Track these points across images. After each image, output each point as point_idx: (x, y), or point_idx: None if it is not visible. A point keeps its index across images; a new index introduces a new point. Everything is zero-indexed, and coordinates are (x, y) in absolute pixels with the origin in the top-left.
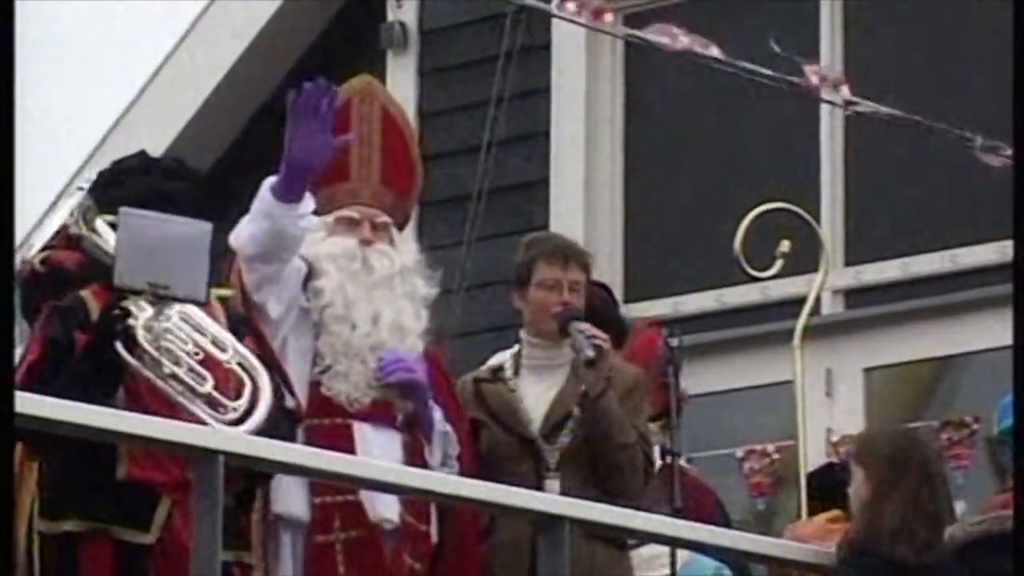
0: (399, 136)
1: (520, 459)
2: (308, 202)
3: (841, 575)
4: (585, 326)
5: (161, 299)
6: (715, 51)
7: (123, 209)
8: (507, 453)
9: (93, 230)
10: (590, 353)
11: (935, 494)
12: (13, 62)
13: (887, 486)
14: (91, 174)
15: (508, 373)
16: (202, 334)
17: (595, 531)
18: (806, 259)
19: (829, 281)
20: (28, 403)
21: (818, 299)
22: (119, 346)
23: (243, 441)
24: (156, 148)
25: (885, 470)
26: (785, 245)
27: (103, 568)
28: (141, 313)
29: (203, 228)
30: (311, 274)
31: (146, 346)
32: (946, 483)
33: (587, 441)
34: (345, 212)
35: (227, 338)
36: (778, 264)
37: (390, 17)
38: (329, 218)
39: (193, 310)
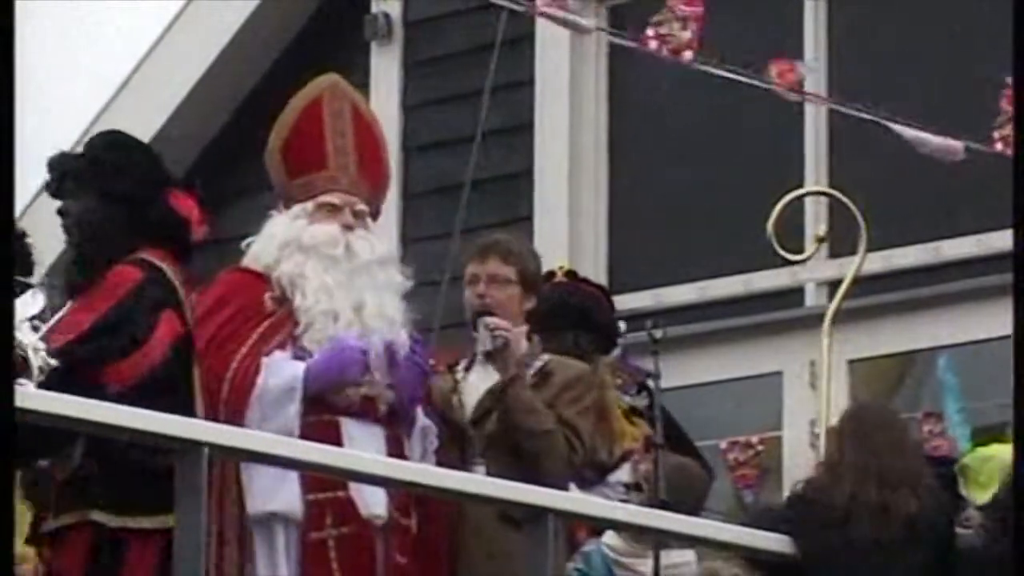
0: (370, 133)
1: (450, 446)
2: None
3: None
4: (491, 320)
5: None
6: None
7: None
8: (440, 440)
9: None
10: (487, 345)
11: (872, 455)
12: (12, 60)
13: (836, 450)
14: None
15: (462, 366)
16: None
17: (510, 512)
18: (785, 249)
19: (813, 273)
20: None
21: (856, 280)
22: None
23: (226, 433)
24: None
25: (839, 433)
26: (822, 229)
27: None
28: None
29: None
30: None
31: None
32: (900, 456)
33: (506, 429)
34: (326, 198)
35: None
36: (811, 248)
37: (374, 9)
38: (309, 204)
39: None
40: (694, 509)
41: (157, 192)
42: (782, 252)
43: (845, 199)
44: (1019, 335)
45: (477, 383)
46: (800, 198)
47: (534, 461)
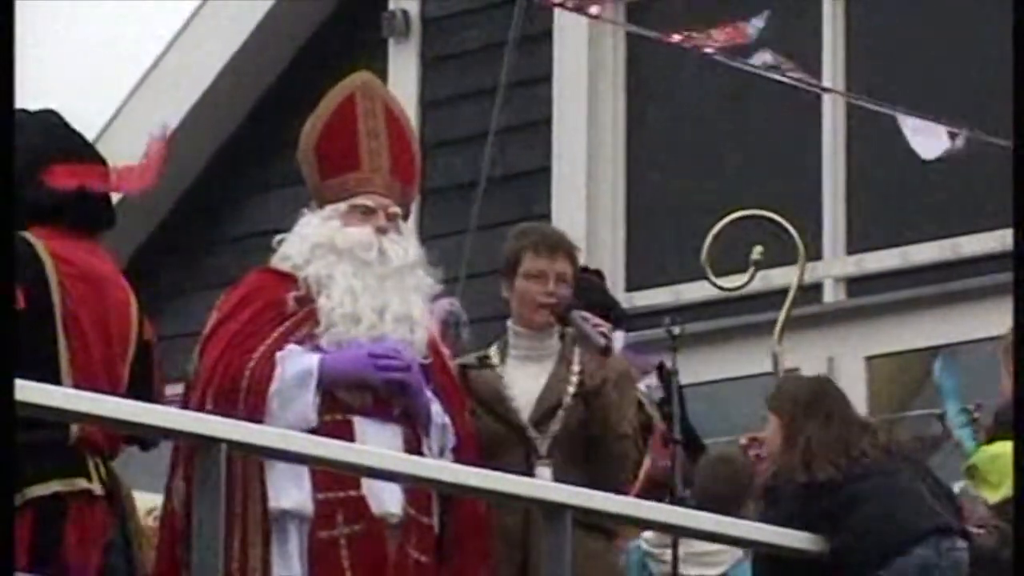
0: (402, 131)
1: (510, 447)
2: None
3: (762, 513)
4: (588, 315)
5: None
6: (716, 38)
7: None
8: (497, 440)
9: None
10: (602, 342)
11: (840, 426)
12: (12, 58)
13: (796, 429)
14: None
15: (495, 360)
16: None
17: (585, 520)
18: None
19: (832, 269)
20: (30, 392)
21: (794, 301)
22: None
23: (244, 429)
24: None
25: (796, 414)
26: (757, 252)
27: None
28: None
29: None
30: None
31: None
32: (855, 418)
33: (581, 430)
34: (360, 200)
35: None
36: (750, 272)
37: (392, 6)
38: (343, 205)
39: None
40: (741, 498)
41: (35, 171)
42: (714, 280)
43: (782, 220)
44: (1020, 335)
45: (524, 380)
46: (753, 219)
47: (612, 465)
